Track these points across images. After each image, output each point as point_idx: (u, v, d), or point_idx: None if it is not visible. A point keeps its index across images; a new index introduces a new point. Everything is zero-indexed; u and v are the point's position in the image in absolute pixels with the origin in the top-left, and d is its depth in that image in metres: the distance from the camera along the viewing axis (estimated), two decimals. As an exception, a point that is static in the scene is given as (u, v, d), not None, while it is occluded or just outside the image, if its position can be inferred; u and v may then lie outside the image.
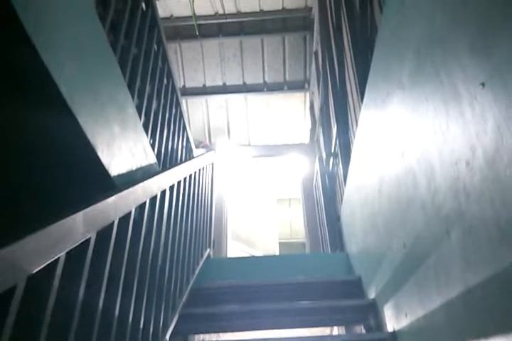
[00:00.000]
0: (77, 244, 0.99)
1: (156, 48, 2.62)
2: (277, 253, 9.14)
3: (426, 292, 1.40)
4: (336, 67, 4.06)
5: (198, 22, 6.09)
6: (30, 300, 0.83)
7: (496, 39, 0.85)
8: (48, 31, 1.28)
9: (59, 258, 0.91)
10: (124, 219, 1.39)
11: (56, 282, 0.91)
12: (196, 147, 4.95)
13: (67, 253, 0.95)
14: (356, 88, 3.11)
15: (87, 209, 1.04)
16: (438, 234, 1.24)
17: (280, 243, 9.66)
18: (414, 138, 1.43)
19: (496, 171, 0.87)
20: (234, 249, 7.55)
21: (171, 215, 2.05)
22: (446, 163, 1.14)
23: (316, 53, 5.98)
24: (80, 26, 1.55)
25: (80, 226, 0.99)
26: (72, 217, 0.96)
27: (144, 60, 2.34)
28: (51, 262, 0.88)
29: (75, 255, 1.01)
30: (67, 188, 1.71)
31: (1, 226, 1.60)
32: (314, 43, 5.98)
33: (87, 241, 1.07)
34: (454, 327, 1.18)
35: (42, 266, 0.84)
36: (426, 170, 1.31)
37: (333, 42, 4.28)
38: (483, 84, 0.89)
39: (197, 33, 6.20)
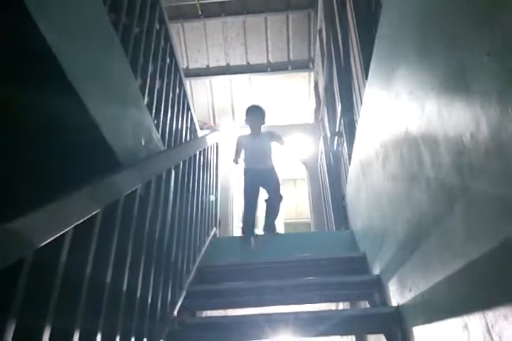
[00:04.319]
0: (84, 218, 1.01)
1: (158, 27, 2.59)
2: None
3: (430, 266, 1.41)
4: (341, 45, 4.01)
5: (200, 1, 6.00)
6: (39, 275, 0.85)
7: (502, 8, 0.84)
8: (50, 10, 1.27)
9: (67, 232, 0.92)
10: (130, 197, 1.41)
11: (64, 256, 0.93)
12: (200, 128, 4.93)
13: (75, 228, 0.96)
14: (361, 65, 3.08)
15: (94, 186, 1.06)
16: (441, 208, 1.25)
17: (285, 223, 9.70)
18: (418, 113, 1.42)
19: (499, 142, 0.86)
20: (240, 230, 7.58)
21: (176, 194, 2.07)
22: (450, 137, 1.13)
23: (320, 31, 5.89)
24: (82, 4, 1.54)
25: (86, 201, 1.00)
26: (79, 192, 0.97)
27: (146, 39, 2.32)
28: (59, 236, 0.89)
29: (83, 231, 1.03)
30: (72, 167, 1.72)
31: (7, 205, 1.62)
32: (318, 21, 5.88)
33: (94, 216, 1.08)
34: (458, 299, 1.19)
35: (50, 240, 0.85)
36: (430, 145, 1.31)
37: (337, 19, 4.21)
38: (488, 54, 0.88)
39: (199, 12, 6.12)
